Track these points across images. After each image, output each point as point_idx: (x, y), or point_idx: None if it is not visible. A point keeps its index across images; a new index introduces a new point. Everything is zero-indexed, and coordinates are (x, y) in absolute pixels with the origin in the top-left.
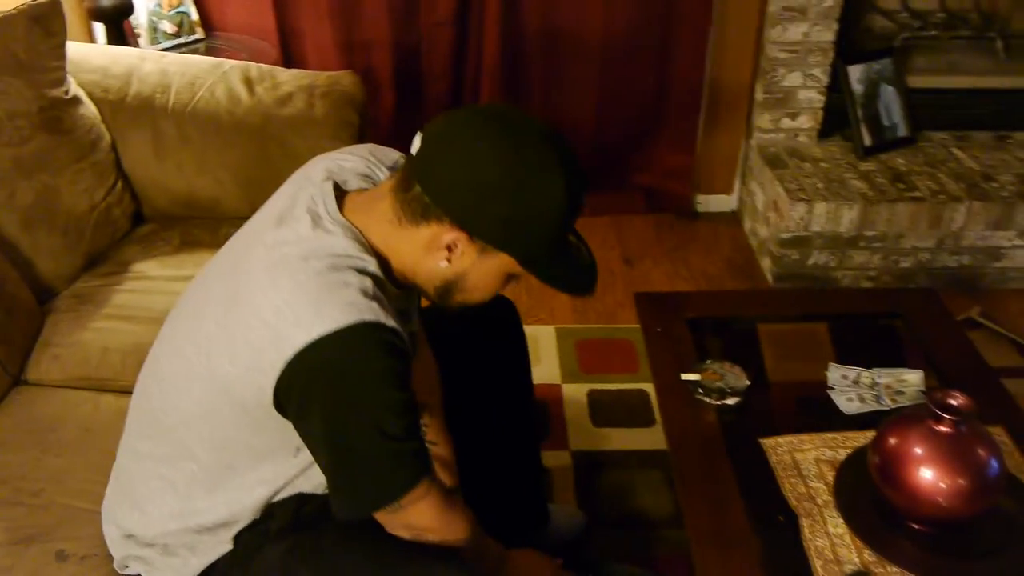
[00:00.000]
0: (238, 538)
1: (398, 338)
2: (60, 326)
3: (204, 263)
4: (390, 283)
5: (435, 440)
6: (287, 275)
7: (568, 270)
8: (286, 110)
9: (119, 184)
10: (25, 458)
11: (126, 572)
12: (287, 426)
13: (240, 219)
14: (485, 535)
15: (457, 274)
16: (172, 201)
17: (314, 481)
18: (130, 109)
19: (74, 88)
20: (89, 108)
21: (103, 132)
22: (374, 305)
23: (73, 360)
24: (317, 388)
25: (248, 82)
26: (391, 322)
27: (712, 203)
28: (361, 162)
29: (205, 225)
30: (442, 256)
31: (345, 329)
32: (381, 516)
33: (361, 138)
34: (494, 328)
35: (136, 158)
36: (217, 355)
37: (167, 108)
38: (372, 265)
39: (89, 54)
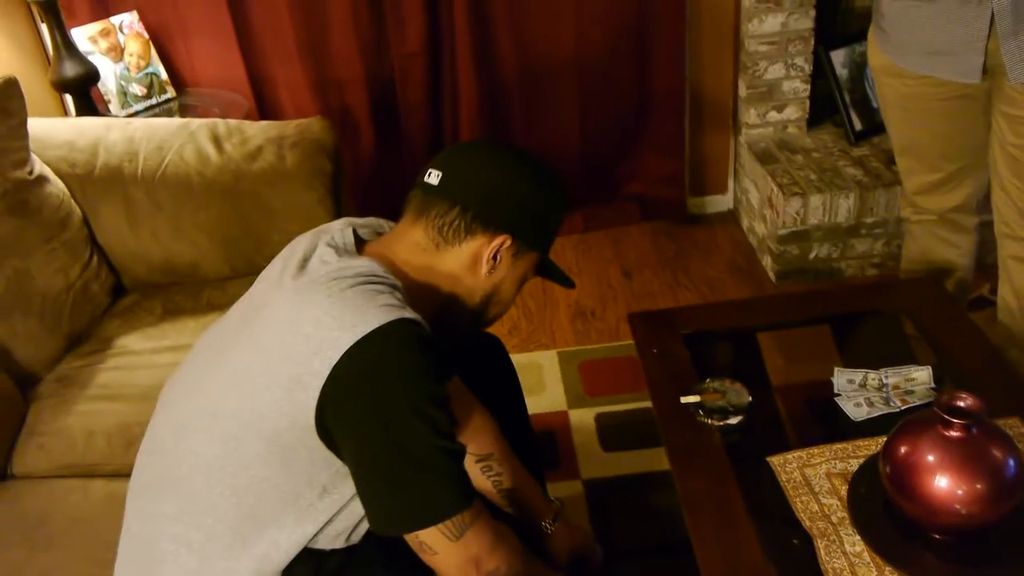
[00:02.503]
0: None
1: (431, 337)
2: (44, 413)
3: (187, 331)
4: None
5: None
6: (321, 291)
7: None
8: (256, 164)
9: (94, 259)
10: (13, 558)
11: None
12: (318, 457)
13: (221, 280)
14: (538, 561)
15: (496, 284)
16: (150, 269)
17: (338, 528)
18: (99, 181)
19: (39, 167)
20: (56, 185)
21: (73, 208)
22: (409, 311)
23: (58, 448)
24: (367, 386)
25: (216, 140)
26: (424, 323)
27: (708, 205)
28: (367, 221)
29: (186, 291)
30: (486, 267)
31: (388, 324)
32: (441, 543)
33: (335, 184)
34: (483, 368)
35: (109, 230)
36: (249, 382)
37: (136, 176)
38: (400, 288)
39: (54, 129)
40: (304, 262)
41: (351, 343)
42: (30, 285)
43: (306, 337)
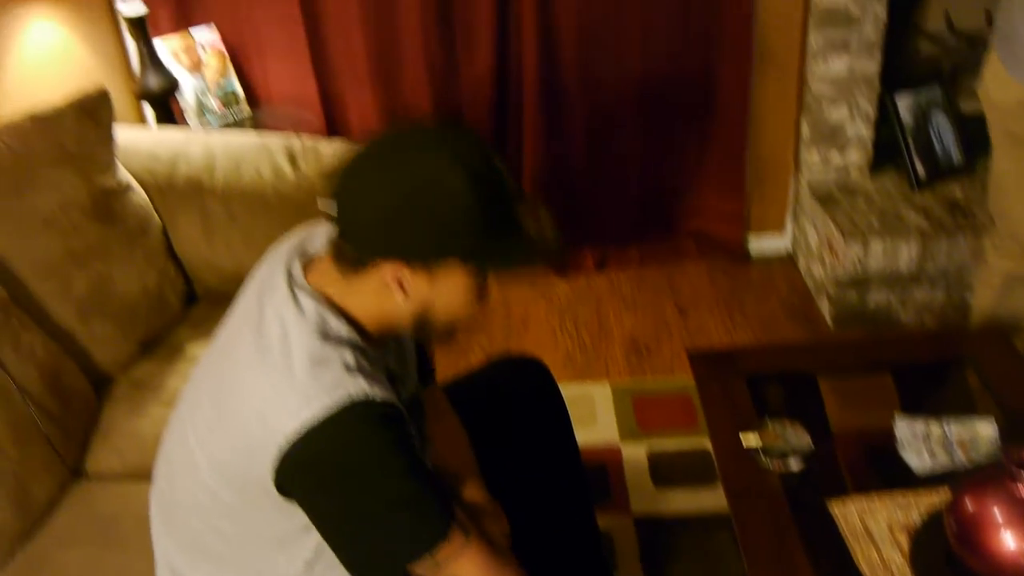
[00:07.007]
0: None
1: (389, 406)
2: (117, 415)
3: None
4: (368, 344)
5: (479, 501)
6: (270, 359)
7: (521, 246)
8: None
9: (170, 267)
10: (85, 555)
11: None
12: (292, 506)
13: None
14: None
15: (421, 304)
16: (222, 279)
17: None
18: (178, 191)
19: (123, 174)
20: (139, 194)
21: (152, 216)
22: (359, 379)
23: (131, 450)
24: (316, 477)
25: (292, 157)
26: (379, 392)
27: (765, 244)
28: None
29: None
30: (398, 294)
31: (335, 413)
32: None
33: None
34: (529, 394)
35: (186, 239)
36: (215, 443)
37: (214, 188)
38: (346, 331)
39: (136, 138)
40: (261, 294)
41: (294, 434)
42: (111, 290)
43: (257, 414)
